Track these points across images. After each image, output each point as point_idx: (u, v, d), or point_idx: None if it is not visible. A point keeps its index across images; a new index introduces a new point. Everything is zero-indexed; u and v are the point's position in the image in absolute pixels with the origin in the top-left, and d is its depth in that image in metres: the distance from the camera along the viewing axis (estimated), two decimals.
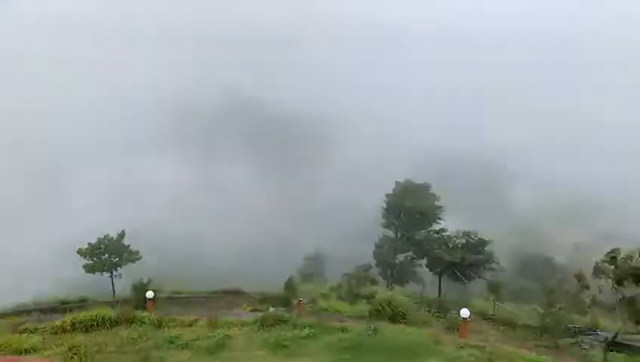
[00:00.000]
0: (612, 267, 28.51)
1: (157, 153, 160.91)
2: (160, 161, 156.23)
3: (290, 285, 34.70)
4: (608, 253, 29.05)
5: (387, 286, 62.45)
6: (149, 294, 32.31)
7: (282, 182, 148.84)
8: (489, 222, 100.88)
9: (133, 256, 72.88)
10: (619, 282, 28.10)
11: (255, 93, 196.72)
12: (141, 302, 33.03)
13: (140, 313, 29.50)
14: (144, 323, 27.80)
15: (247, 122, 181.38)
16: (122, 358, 22.55)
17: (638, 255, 27.69)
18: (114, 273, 69.15)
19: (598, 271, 29.22)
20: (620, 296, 28.37)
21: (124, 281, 74.29)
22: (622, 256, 28.36)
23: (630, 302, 28.01)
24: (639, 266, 27.26)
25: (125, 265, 71.43)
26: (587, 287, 30.26)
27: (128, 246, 72.72)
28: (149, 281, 37.67)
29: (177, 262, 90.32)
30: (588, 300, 31.43)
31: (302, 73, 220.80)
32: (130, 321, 27.98)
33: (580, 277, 30.88)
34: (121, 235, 73.15)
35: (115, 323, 27.85)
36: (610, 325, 30.27)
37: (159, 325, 27.25)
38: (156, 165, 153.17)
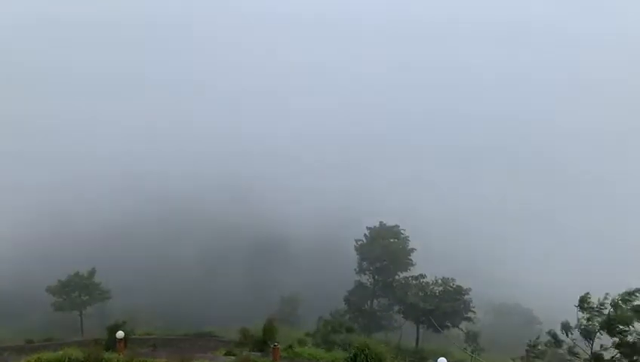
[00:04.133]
0: (585, 315, 28.94)
1: None
2: None
3: (269, 328, 33.92)
4: (580, 299, 29.55)
5: (363, 333, 61.66)
6: (119, 334, 31.27)
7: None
8: (465, 270, 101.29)
9: (103, 295, 71.21)
10: (588, 335, 28.49)
11: None
12: (111, 343, 31.95)
13: (109, 354, 28.45)
14: None
15: None
16: None
17: (609, 305, 28.14)
18: (83, 312, 67.50)
19: (566, 327, 29.69)
20: (591, 352, 28.69)
21: (92, 320, 72.25)
22: (594, 305, 28.82)
23: (599, 355, 28.30)
24: (611, 317, 27.72)
25: (95, 303, 69.73)
26: (561, 342, 30.52)
27: (99, 284, 71.13)
28: (124, 322, 36.56)
29: (149, 303, 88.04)
30: (565, 354, 31.61)
31: None
32: None
33: (553, 335, 31.19)
34: (92, 273, 71.58)
35: None
36: None
37: None
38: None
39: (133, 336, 37.00)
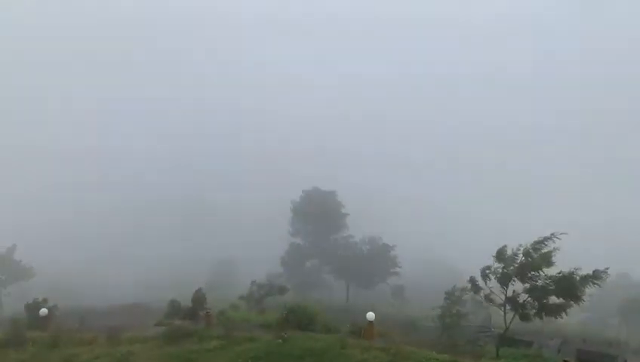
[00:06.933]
0: (501, 265, 31.00)
1: None
2: None
3: (198, 297, 33.79)
4: (498, 251, 31.58)
5: (297, 294, 63.00)
6: (43, 312, 30.11)
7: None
8: (398, 227, 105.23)
9: (25, 273, 67.66)
10: (504, 282, 30.63)
11: None
12: (34, 322, 30.70)
13: (32, 333, 27.39)
14: (37, 343, 25.79)
15: None
16: None
17: (522, 254, 30.27)
18: (2, 291, 64.01)
19: (484, 274, 31.71)
20: (505, 295, 30.93)
21: (15, 300, 68.87)
22: (508, 254, 30.91)
23: (514, 298, 30.63)
24: (523, 264, 29.93)
25: (16, 282, 66.22)
26: (479, 288, 32.49)
27: (19, 261, 67.46)
28: (45, 300, 35.05)
29: (77, 277, 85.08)
30: (482, 300, 33.83)
31: None
32: (21, 342, 25.86)
33: (472, 281, 33.17)
34: (12, 250, 67.65)
35: (3, 345, 25.61)
36: (502, 322, 32.54)
37: (54, 345, 25.39)
38: None
39: (59, 312, 35.67)
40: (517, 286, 31.23)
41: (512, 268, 30.74)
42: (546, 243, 29.93)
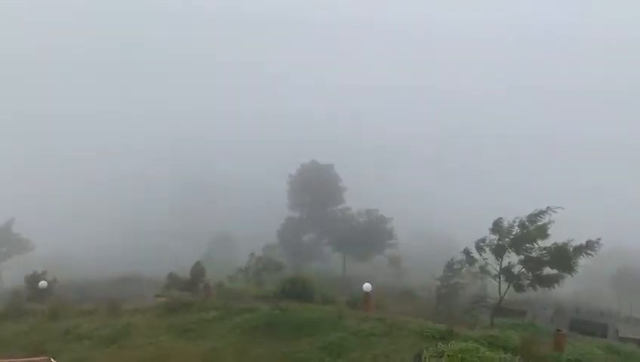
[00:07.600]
0: (496, 236, 31.25)
1: None
2: None
3: (197, 269, 34.07)
4: (494, 223, 31.79)
5: (294, 267, 63.55)
6: (42, 284, 30.39)
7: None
8: (393, 200, 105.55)
9: (23, 245, 67.85)
10: (499, 253, 30.94)
11: None
12: (34, 294, 31.02)
13: (31, 305, 27.69)
14: (37, 315, 26.07)
15: None
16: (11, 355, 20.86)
17: (516, 227, 30.50)
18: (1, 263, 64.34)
19: (479, 246, 31.98)
20: (500, 266, 31.30)
21: (14, 273, 69.16)
22: (504, 227, 31.11)
23: (508, 270, 31.01)
24: (518, 236, 30.21)
25: (16, 254, 66.47)
26: (474, 260, 32.81)
27: (18, 234, 67.62)
28: (44, 272, 35.32)
29: (77, 249, 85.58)
30: (477, 271, 34.23)
31: None
32: (20, 314, 26.14)
33: (467, 252, 33.47)
34: (10, 223, 67.73)
35: (3, 317, 25.89)
36: (497, 292, 32.98)
37: (55, 316, 25.67)
38: None
39: (58, 284, 36.00)
40: (512, 257, 31.60)
41: (507, 239, 30.98)
42: (542, 215, 30.14)
